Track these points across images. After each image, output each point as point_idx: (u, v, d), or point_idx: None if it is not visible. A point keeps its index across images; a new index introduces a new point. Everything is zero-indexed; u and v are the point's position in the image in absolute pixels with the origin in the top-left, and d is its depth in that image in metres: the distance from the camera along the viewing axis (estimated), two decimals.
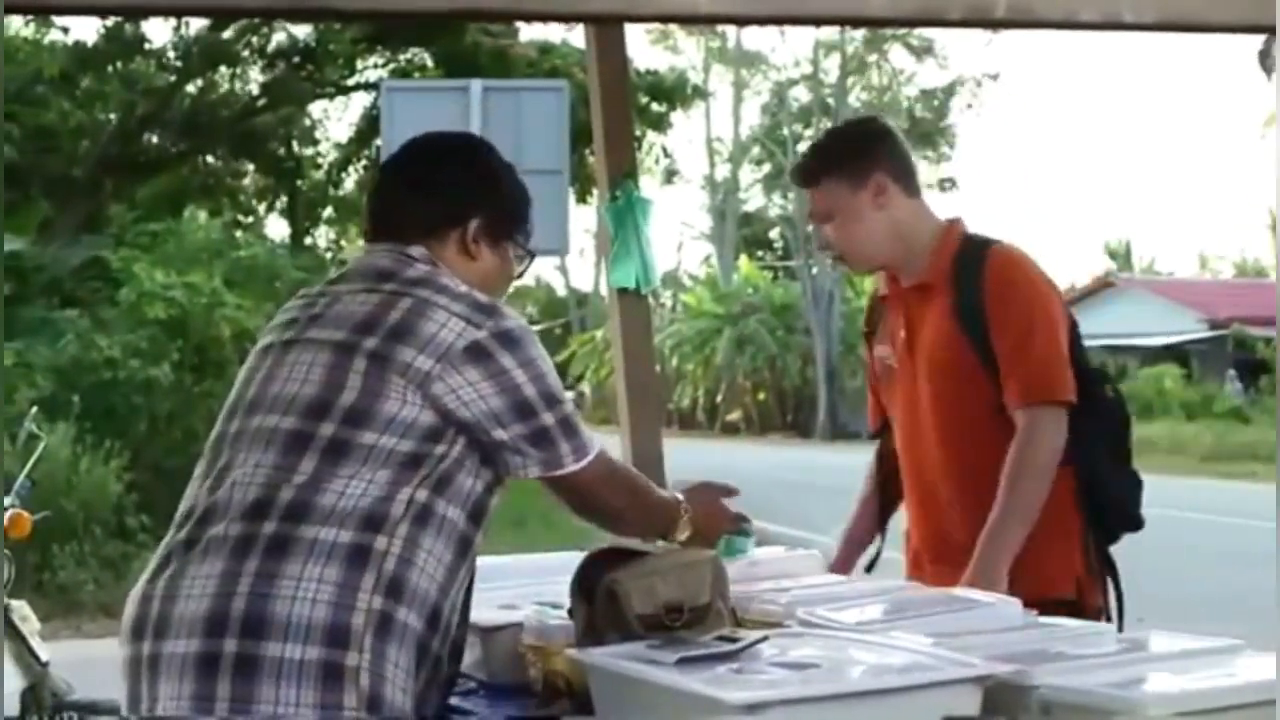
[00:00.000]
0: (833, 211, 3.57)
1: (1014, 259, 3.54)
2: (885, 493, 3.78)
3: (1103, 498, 3.49)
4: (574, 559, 2.76)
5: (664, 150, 27.01)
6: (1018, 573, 3.29)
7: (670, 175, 39.18)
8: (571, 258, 46.19)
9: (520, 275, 2.92)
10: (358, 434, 2.51)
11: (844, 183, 3.55)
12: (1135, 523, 3.55)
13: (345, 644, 2.39)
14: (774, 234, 50.18)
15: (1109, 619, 3.43)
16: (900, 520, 3.76)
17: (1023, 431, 3.38)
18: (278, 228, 26.09)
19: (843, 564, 3.73)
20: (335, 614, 2.39)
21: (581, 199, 18.67)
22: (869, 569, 3.74)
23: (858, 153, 3.59)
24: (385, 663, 2.42)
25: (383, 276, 2.68)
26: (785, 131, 44.41)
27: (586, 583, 2.57)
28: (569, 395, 2.83)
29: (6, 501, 6.35)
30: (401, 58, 21.90)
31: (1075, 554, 3.47)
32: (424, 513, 2.51)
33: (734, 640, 2.33)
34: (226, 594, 2.39)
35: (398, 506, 2.49)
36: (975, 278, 3.48)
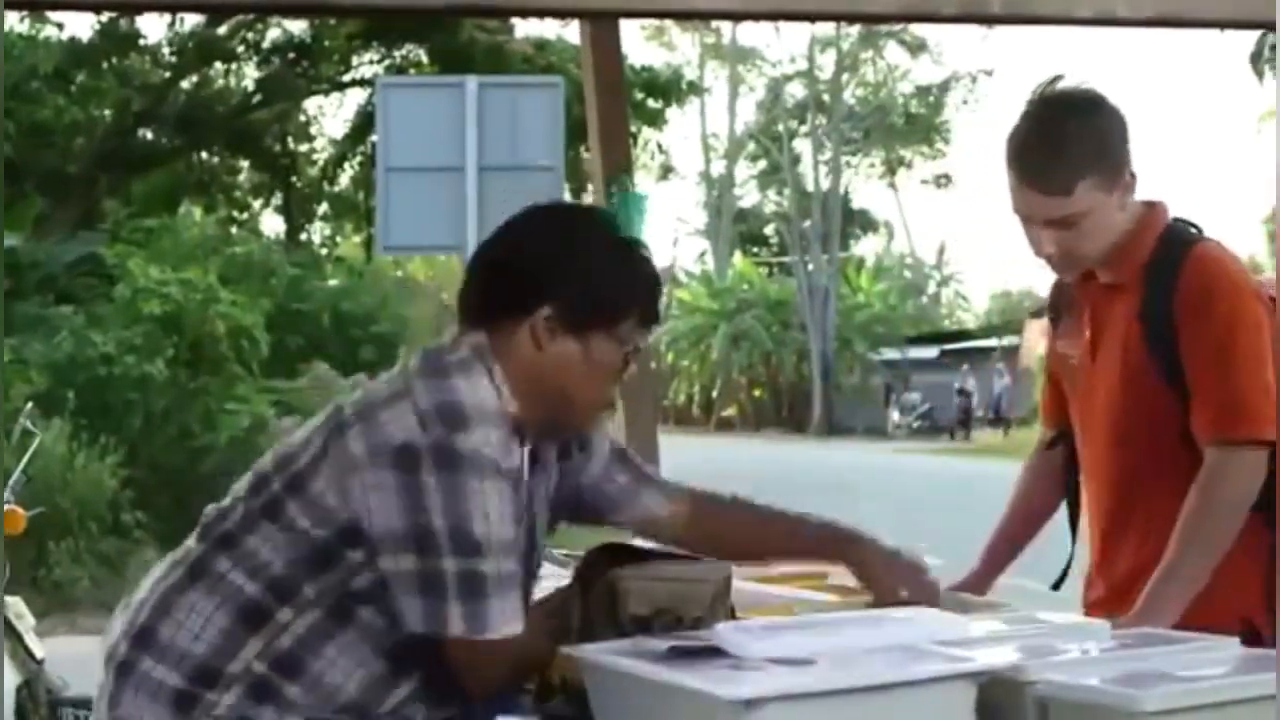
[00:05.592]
0: (1084, 218, 2.98)
1: (1217, 261, 3.02)
2: (1059, 499, 3.31)
3: None
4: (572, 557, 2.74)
5: (659, 146, 26.99)
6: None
7: (665, 171, 39.12)
8: None
9: (626, 366, 2.49)
10: (289, 503, 2.38)
11: (1102, 186, 2.98)
12: None
13: (213, 684, 2.36)
14: (769, 230, 50.21)
15: None
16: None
17: (1208, 473, 2.91)
18: (273, 224, 26.15)
19: (978, 583, 3.24)
20: (212, 656, 2.36)
21: (576, 196, 18.67)
22: (1056, 586, 3.24)
23: (1113, 148, 3.02)
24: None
25: (417, 367, 2.44)
26: (780, 128, 44.45)
27: (586, 576, 2.55)
28: (500, 559, 2.32)
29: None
30: (397, 54, 21.91)
31: (1251, 587, 2.95)
32: (341, 611, 2.37)
33: None
34: (143, 602, 2.45)
35: (310, 590, 2.37)
36: (1169, 279, 2.99)
